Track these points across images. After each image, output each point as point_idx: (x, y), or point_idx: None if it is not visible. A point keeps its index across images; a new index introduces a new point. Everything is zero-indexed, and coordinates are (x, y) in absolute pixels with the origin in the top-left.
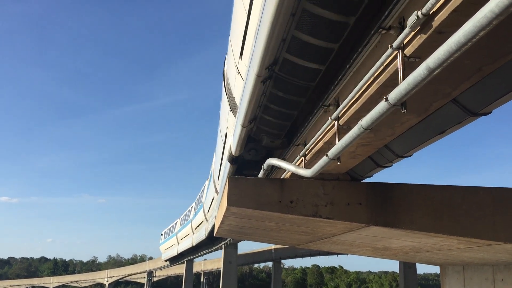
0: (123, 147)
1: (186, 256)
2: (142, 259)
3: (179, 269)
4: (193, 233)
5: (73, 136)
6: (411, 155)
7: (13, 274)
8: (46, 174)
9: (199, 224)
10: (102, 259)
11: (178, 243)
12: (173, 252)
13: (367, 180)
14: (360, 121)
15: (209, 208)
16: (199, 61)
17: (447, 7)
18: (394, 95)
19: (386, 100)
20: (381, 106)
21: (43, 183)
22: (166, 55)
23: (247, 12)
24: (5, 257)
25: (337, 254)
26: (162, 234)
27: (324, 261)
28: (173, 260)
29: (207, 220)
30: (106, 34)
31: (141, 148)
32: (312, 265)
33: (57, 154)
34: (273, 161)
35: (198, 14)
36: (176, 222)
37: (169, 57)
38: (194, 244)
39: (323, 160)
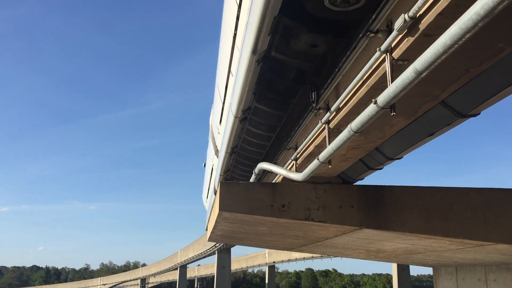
0: (115, 153)
1: None
2: (135, 266)
3: (173, 275)
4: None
5: (64, 142)
6: (402, 157)
7: (5, 283)
8: (36, 181)
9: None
10: (94, 266)
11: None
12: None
13: (358, 183)
14: (350, 124)
15: None
16: (191, 64)
17: (433, 10)
18: (383, 98)
19: (375, 103)
20: (370, 109)
21: (33, 191)
22: (159, 59)
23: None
24: None
25: (330, 257)
26: (204, 165)
27: (318, 264)
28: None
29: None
30: (99, 39)
31: (133, 153)
32: (306, 268)
33: (47, 160)
34: (264, 165)
35: (189, 18)
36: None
37: (162, 61)
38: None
39: (314, 163)
